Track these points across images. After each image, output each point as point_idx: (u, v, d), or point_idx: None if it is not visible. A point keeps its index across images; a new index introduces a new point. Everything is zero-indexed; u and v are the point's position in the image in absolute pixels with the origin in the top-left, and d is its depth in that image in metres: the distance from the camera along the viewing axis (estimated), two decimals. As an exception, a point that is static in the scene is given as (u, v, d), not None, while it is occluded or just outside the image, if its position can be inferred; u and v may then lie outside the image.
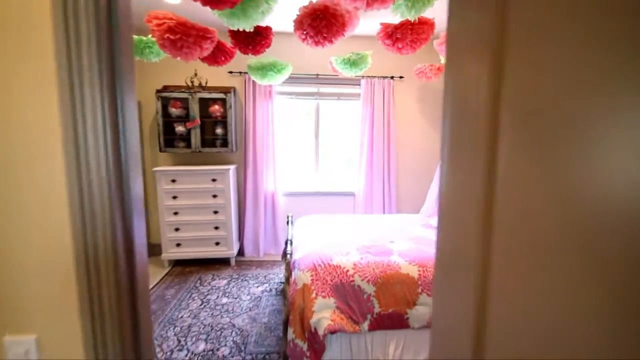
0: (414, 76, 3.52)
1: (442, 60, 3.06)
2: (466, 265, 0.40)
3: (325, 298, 1.85)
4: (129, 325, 0.62)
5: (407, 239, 2.49)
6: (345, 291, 1.90)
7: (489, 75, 0.36)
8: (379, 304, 1.89)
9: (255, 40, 2.53)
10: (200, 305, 2.85)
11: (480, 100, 0.37)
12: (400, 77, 4.01)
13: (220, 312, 2.74)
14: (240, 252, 4.01)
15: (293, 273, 2.06)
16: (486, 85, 0.36)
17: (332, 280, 1.92)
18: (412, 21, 2.05)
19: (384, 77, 3.95)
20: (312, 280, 1.91)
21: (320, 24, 1.90)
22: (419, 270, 1.99)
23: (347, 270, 1.96)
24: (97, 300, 0.61)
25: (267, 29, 2.50)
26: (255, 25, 2.43)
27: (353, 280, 1.92)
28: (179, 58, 2.20)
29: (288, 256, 2.09)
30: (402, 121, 4.18)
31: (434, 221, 2.93)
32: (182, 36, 1.99)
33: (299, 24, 1.98)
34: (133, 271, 0.62)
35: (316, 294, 1.86)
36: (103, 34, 0.53)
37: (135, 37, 2.59)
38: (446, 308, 0.45)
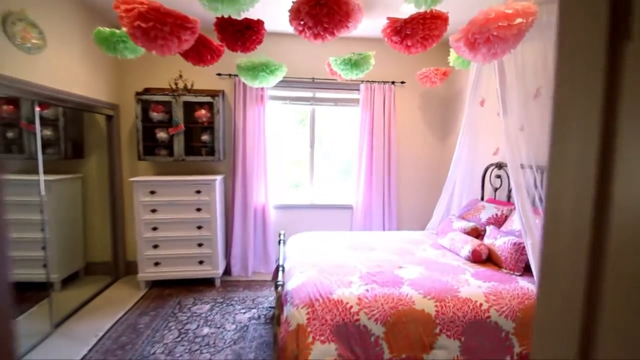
0: (417, 81, 3.25)
1: (452, 62, 2.78)
2: None
3: (325, 343, 1.51)
4: None
5: (417, 263, 2.16)
6: (349, 333, 1.56)
7: None
8: (389, 348, 1.56)
9: (245, 35, 2.22)
10: (177, 337, 2.47)
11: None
12: (402, 82, 3.74)
13: (200, 346, 2.36)
14: (227, 272, 3.63)
15: (285, 309, 1.71)
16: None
17: (332, 320, 1.58)
18: (427, 12, 1.77)
19: (385, 82, 3.67)
20: (308, 319, 1.57)
21: (321, 12, 1.60)
22: (435, 306, 1.66)
23: (351, 307, 1.62)
24: None
25: (259, 22, 2.20)
26: (244, 17, 2.14)
27: (358, 319, 1.58)
28: (154, 52, 1.87)
29: (279, 288, 1.74)
30: (404, 129, 3.90)
31: (444, 241, 2.62)
32: (155, 24, 1.67)
33: (296, 12, 1.68)
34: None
35: (313, 338, 1.52)
36: None
37: (106, 29, 2.26)
38: None
